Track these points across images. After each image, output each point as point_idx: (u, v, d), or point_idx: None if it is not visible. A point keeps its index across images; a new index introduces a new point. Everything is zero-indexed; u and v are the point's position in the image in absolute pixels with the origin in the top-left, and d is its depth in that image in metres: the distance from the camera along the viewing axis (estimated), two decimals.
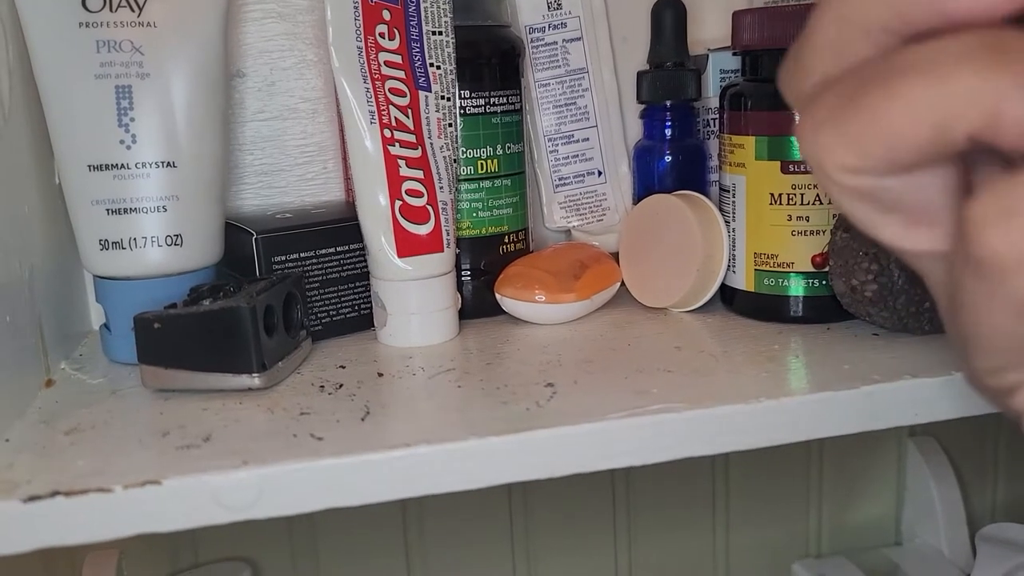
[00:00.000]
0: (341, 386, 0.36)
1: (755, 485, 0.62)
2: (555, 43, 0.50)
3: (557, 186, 0.51)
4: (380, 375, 0.38)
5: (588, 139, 0.51)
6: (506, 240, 0.45)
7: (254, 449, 0.30)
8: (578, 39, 0.50)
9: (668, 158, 0.47)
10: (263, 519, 0.29)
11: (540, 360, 0.38)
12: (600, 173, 0.51)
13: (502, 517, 0.59)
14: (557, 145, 0.50)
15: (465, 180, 0.44)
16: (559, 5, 0.49)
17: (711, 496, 0.61)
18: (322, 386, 0.36)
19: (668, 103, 0.47)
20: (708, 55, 0.48)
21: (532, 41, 0.49)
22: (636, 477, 0.60)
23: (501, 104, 0.44)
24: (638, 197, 0.49)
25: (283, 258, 0.41)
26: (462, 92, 0.43)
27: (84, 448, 0.32)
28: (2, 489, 0.28)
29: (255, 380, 0.35)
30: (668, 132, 0.48)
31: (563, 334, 0.42)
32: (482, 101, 0.43)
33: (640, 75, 0.48)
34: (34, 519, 0.28)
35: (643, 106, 0.48)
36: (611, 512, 0.60)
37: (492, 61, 0.43)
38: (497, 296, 0.43)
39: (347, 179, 0.48)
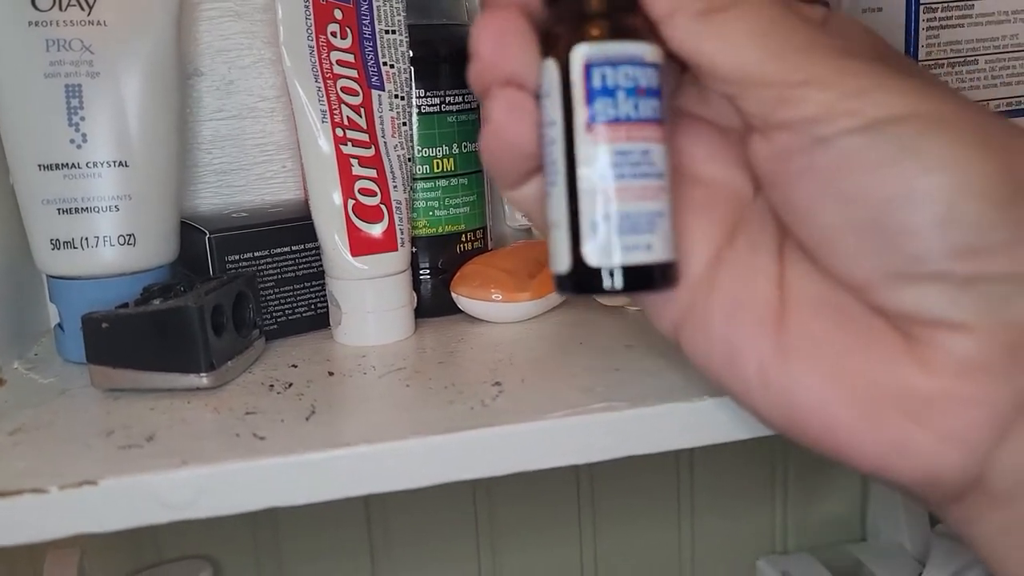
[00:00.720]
0: (290, 385, 0.36)
1: (720, 481, 0.62)
2: None
3: None
4: (331, 374, 0.38)
5: None
6: (463, 239, 0.45)
7: (196, 449, 0.30)
8: None
9: None
10: (220, 517, 0.29)
11: (491, 359, 0.38)
12: None
13: (466, 512, 0.59)
14: None
15: (421, 179, 0.44)
16: None
17: (676, 492, 0.62)
18: (271, 385, 0.36)
19: None
20: None
21: None
22: (600, 472, 0.60)
23: (457, 103, 0.44)
24: None
25: (237, 257, 0.41)
26: (417, 91, 0.43)
27: (26, 448, 0.32)
28: None
29: (203, 379, 0.35)
30: None
31: (517, 333, 0.42)
32: (437, 100, 0.43)
33: None
34: None
35: None
36: (576, 507, 0.60)
37: (448, 60, 0.43)
38: (453, 295, 0.43)
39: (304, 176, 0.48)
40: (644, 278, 0.24)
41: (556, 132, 0.24)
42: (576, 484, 0.60)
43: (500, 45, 0.24)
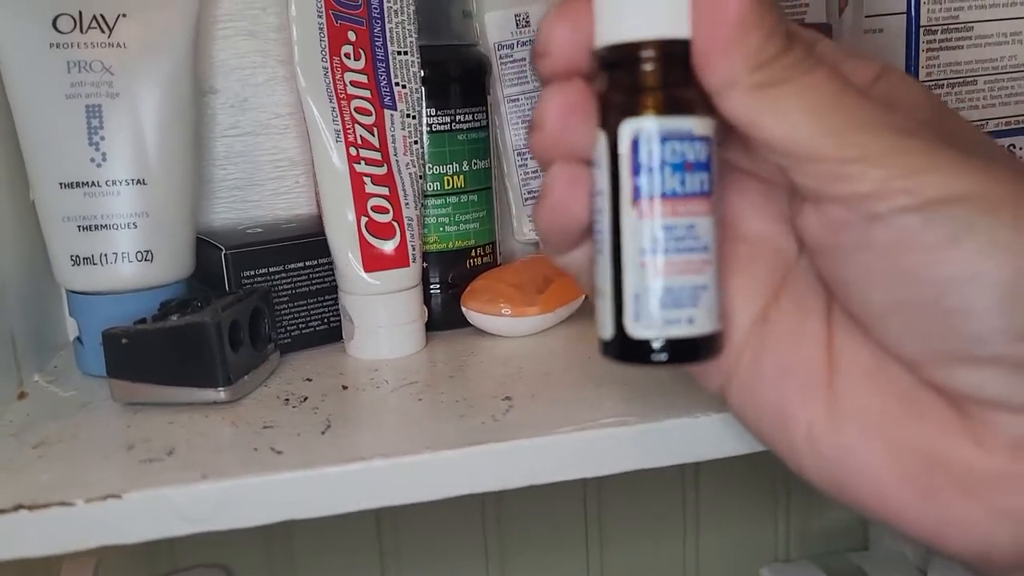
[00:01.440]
0: (305, 399, 0.37)
1: (724, 490, 0.63)
2: (524, 59, 0.51)
3: (526, 199, 0.52)
4: (344, 388, 0.38)
5: None
6: (473, 254, 0.46)
7: (215, 462, 0.31)
8: None
9: None
10: (234, 530, 0.30)
11: (501, 373, 0.39)
12: None
13: (475, 526, 0.60)
14: (526, 160, 0.51)
15: (432, 196, 0.44)
16: (527, 23, 0.50)
17: (681, 502, 0.62)
18: (287, 399, 0.37)
19: None
20: None
21: (501, 58, 0.50)
22: (607, 484, 0.61)
23: (467, 121, 0.44)
24: None
25: (252, 273, 0.42)
26: (428, 110, 0.44)
27: (51, 462, 0.33)
28: None
29: (220, 394, 0.36)
30: None
31: (526, 347, 0.43)
32: (447, 119, 0.44)
33: None
34: None
35: None
36: (583, 519, 0.61)
37: (458, 80, 0.44)
38: (463, 309, 0.44)
39: (318, 193, 0.49)
40: (686, 351, 0.24)
41: (604, 202, 0.24)
42: (583, 498, 0.61)
43: (566, 121, 0.24)
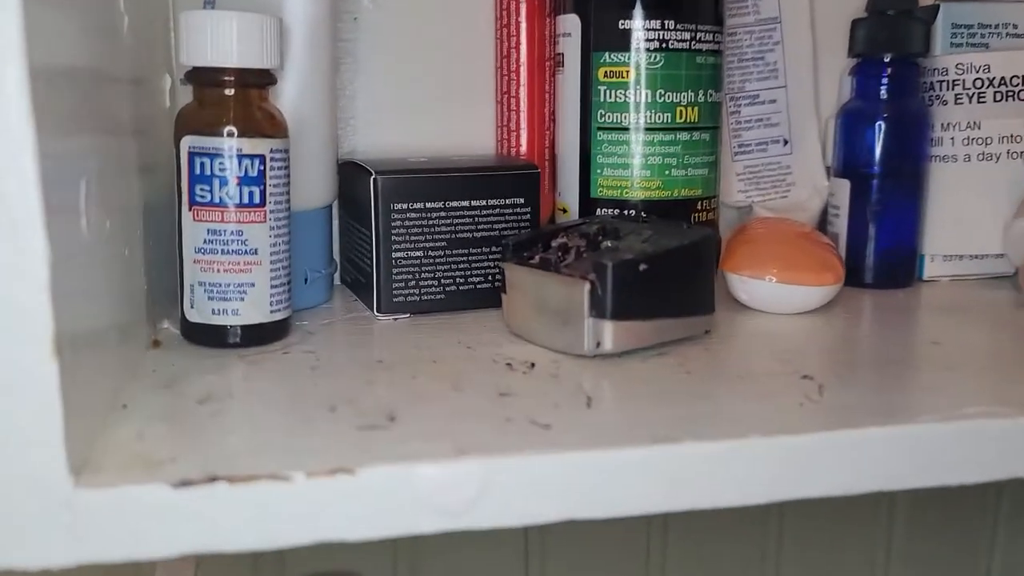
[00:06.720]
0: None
1: (814, 534, 0.53)
2: None
3: (736, 154, 0.43)
4: None
5: (775, 101, 0.43)
6: (698, 207, 0.37)
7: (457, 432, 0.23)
8: None
9: (882, 123, 0.40)
10: None
11: (783, 348, 0.31)
12: (786, 142, 0.43)
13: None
14: (739, 105, 0.43)
15: (658, 129, 0.36)
16: None
17: (760, 549, 0.53)
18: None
19: (887, 57, 0.39)
20: (939, 5, 0.41)
21: None
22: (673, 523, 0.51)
23: (707, 41, 0.36)
24: (842, 167, 0.41)
25: (404, 206, 0.34)
26: (666, 22, 0.35)
27: (230, 421, 0.24)
28: (139, 465, 0.21)
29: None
30: (884, 92, 0.40)
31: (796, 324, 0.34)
32: (688, 35, 0.35)
33: (856, 23, 0.40)
34: (186, 512, 0.20)
35: (855, 60, 0.41)
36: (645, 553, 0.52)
37: None
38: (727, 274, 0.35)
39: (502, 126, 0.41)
40: (228, 337, 0.29)
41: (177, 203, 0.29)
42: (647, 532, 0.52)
43: None
